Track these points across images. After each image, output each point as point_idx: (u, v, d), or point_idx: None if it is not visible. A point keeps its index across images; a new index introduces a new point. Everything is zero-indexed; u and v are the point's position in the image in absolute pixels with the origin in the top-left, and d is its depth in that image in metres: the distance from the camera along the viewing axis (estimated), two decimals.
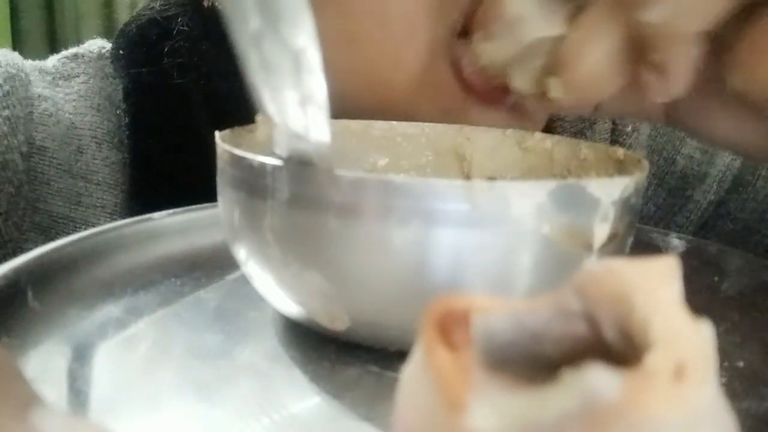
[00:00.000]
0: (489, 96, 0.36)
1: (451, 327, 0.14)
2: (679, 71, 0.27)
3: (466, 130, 0.35)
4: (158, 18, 0.46)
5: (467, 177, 0.35)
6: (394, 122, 0.35)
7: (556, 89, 0.28)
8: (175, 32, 0.45)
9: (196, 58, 0.45)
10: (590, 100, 0.30)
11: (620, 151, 0.30)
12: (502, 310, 0.14)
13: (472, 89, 0.36)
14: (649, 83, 0.27)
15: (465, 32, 0.35)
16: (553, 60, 0.29)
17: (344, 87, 0.34)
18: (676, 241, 0.35)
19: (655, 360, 0.11)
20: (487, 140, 0.34)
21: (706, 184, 0.51)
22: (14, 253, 0.40)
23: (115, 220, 0.44)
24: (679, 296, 0.13)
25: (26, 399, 0.13)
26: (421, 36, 0.35)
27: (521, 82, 0.32)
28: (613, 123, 0.52)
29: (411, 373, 0.14)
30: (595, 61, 0.27)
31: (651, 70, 0.27)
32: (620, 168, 0.29)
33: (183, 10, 0.46)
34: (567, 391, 0.11)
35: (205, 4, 0.44)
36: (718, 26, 0.25)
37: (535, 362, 0.14)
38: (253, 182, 0.23)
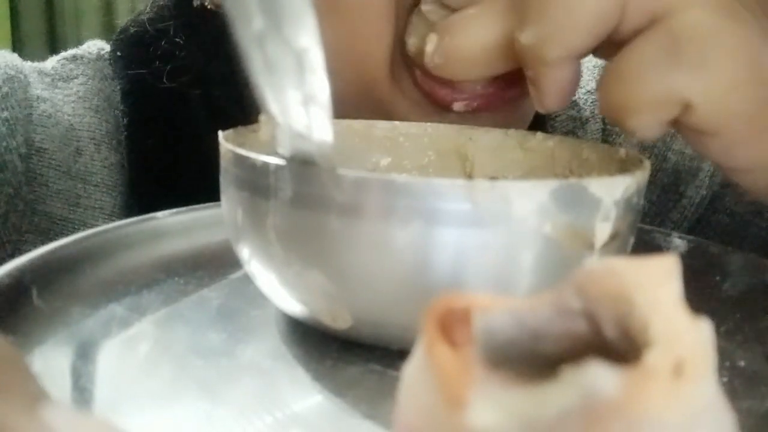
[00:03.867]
0: (440, 99, 0.36)
1: (452, 325, 0.14)
2: (548, 90, 0.29)
3: (468, 130, 0.35)
4: (154, 20, 0.46)
5: (469, 177, 0.35)
6: (396, 122, 0.35)
7: (430, 44, 0.30)
8: (169, 35, 0.45)
9: (191, 61, 0.45)
10: (455, 72, 0.31)
11: (622, 151, 0.30)
12: (503, 308, 0.14)
13: (428, 95, 0.36)
14: (531, 92, 0.30)
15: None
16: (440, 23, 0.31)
17: (329, 62, 0.35)
18: (678, 241, 0.35)
19: (655, 358, 0.11)
20: (489, 140, 0.35)
21: (698, 180, 0.51)
22: (13, 255, 0.40)
23: (114, 221, 0.44)
24: (678, 295, 0.13)
25: (36, 395, 0.14)
26: (387, 38, 0.36)
27: (412, 37, 0.34)
28: (604, 122, 0.52)
29: (412, 371, 0.14)
30: (469, 41, 0.29)
31: (530, 82, 0.29)
32: (622, 168, 0.29)
33: (178, 14, 0.46)
34: (567, 387, 0.11)
35: (195, 3, 0.44)
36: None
37: (536, 360, 0.14)
38: (256, 182, 0.23)
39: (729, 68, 0.26)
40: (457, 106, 0.36)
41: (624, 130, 0.28)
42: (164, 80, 0.44)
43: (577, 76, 0.29)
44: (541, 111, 0.31)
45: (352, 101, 0.37)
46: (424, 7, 0.33)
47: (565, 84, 0.29)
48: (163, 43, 0.45)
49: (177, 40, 0.45)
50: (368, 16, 0.36)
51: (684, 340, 0.12)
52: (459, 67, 0.31)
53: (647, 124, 0.27)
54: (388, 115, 0.37)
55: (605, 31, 0.27)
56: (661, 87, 0.26)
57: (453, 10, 0.31)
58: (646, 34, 0.26)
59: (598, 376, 0.11)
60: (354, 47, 0.36)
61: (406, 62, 0.36)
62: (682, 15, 0.25)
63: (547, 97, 0.29)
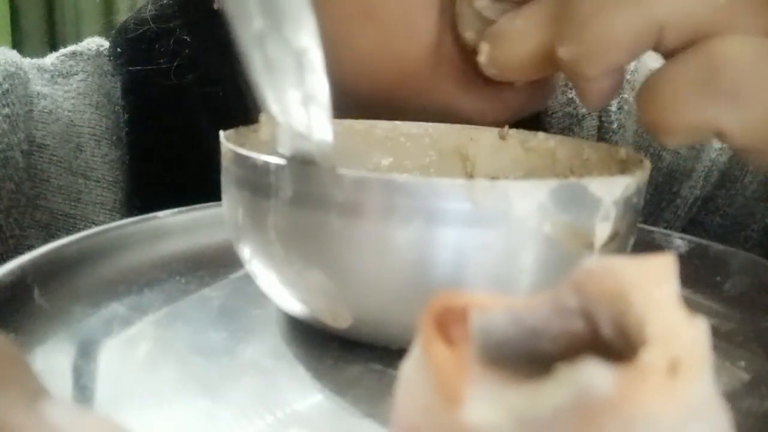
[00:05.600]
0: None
1: (449, 323, 0.14)
2: (589, 96, 0.29)
3: (469, 130, 0.35)
4: (157, 18, 0.47)
5: (470, 177, 0.35)
6: (397, 122, 0.35)
7: (483, 56, 0.31)
8: (170, 32, 0.46)
9: (192, 59, 0.45)
10: (510, 78, 0.32)
11: (622, 151, 0.30)
12: (501, 306, 0.14)
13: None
14: (576, 92, 0.30)
15: None
16: (490, 28, 0.32)
17: (361, 65, 0.36)
18: (678, 241, 0.35)
19: (650, 356, 0.11)
20: (491, 140, 0.35)
21: (692, 180, 0.51)
22: (16, 250, 0.40)
23: (115, 216, 0.44)
24: (675, 294, 0.13)
25: (36, 392, 0.14)
26: (434, 6, 0.36)
27: (468, 31, 0.35)
28: (600, 120, 0.52)
29: (410, 369, 0.14)
30: (518, 53, 0.30)
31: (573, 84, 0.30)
32: (622, 168, 0.29)
33: (178, 11, 0.46)
34: (561, 385, 0.11)
35: (215, 6, 0.44)
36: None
37: (533, 359, 0.14)
38: (257, 181, 0.24)
39: (764, 101, 0.25)
40: None
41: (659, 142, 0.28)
42: (166, 78, 0.45)
43: (620, 79, 0.29)
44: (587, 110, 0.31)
45: (386, 94, 0.37)
46: (478, 4, 0.34)
47: (607, 89, 0.29)
48: (166, 41, 0.46)
49: (177, 36, 0.46)
50: (404, 19, 0.36)
51: (680, 339, 0.12)
52: (512, 75, 0.32)
53: (681, 142, 0.27)
54: (429, 101, 0.37)
55: (642, 51, 0.26)
56: (694, 115, 0.25)
57: (510, 3, 0.32)
58: (683, 57, 0.25)
59: (593, 374, 0.11)
60: (390, 48, 0.37)
61: (457, 48, 0.36)
62: (721, 41, 0.25)
63: (590, 101, 0.29)
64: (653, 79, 0.26)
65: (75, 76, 0.47)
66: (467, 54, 0.36)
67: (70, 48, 0.49)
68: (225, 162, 0.26)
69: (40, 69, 0.47)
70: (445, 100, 0.37)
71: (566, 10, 0.27)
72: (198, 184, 0.33)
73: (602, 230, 0.23)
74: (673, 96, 0.26)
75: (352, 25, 0.36)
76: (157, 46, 0.46)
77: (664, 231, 0.36)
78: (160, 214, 0.34)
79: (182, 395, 0.23)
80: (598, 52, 0.26)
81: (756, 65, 0.25)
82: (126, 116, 0.45)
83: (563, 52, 0.27)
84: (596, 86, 0.28)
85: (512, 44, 0.30)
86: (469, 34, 0.35)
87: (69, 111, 0.45)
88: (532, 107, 0.40)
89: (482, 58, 0.31)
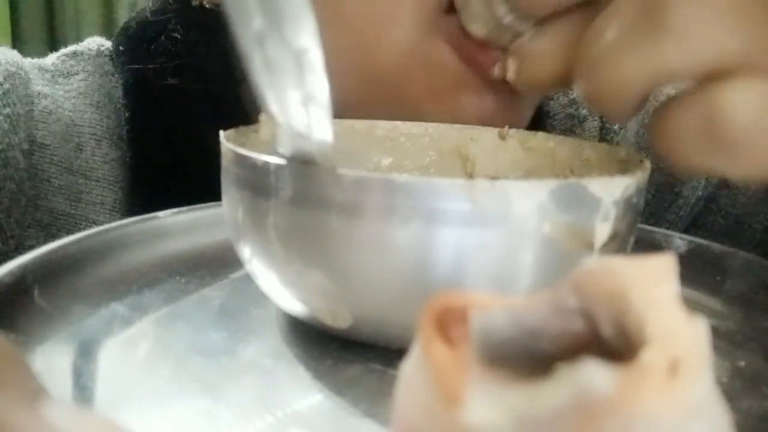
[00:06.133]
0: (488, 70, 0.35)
1: (449, 323, 0.14)
2: (612, 119, 0.28)
3: (469, 130, 0.35)
4: (156, 17, 0.47)
5: (470, 177, 0.35)
6: (398, 122, 0.35)
7: (511, 72, 0.32)
8: (171, 31, 0.46)
9: (193, 58, 0.45)
10: (541, 93, 0.33)
11: (622, 151, 0.30)
12: (501, 306, 0.14)
13: (472, 62, 0.36)
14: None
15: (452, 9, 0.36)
16: (516, 44, 0.32)
17: (332, 68, 0.35)
18: (678, 241, 0.35)
19: (650, 356, 0.11)
20: (491, 140, 0.35)
21: (694, 180, 0.51)
22: (17, 249, 0.40)
23: (115, 216, 0.44)
24: (675, 294, 0.13)
25: (36, 392, 0.14)
26: (406, 13, 0.36)
27: (475, 23, 0.35)
28: (602, 121, 0.52)
29: (410, 369, 0.14)
30: (548, 70, 0.30)
31: None
32: (622, 168, 0.29)
33: (179, 10, 0.47)
34: (561, 385, 0.11)
35: (194, 3, 0.44)
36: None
37: (534, 359, 0.14)
38: (257, 181, 0.24)
39: (765, 156, 0.23)
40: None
41: None
42: (167, 77, 0.45)
43: (644, 99, 0.27)
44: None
45: (356, 98, 0.37)
46: (498, 12, 0.33)
47: (629, 112, 0.27)
48: (163, 38, 0.46)
49: (178, 36, 0.46)
50: (371, 26, 0.36)
51: (680, 339, 0.12)
52: (542, 91, 0.32)
53: (696, 175, 0.27)
54: (400, 107, 0.37)
55: (653, 90, 0.25)
56: (695, 162, 0.24)
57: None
58: (686, 102, 0.24)
59: (593, 375, 0.11)
60: (358, 54, 0.37)
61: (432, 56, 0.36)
62: (724, 88, 0.23)
63: (613, 121, 0.29)
64: (658, 116, 0.25)
65: (76, 76, 0.47)
66: (445, 61, 0.36)
67: (71, 48, 0.49)
68: (225, 162, 0.26)
69: (41, 69, 0.47)
70: (416, 107, 0.37)
71: (579, 45, 0.26)
72: (199, 183, 0.33)
73: (602, 230, 0.23)
74: (675, 142, 0.24)
75: (322, 28, 0.35)
76: (154, 46, 0.46)
77: (665, 231, 0.36)
78: (160, 214, 0.34)
79: (182, 395, 0.23)
80: (609, 93, 0.26)
81: (759, 117, 0.23)
82: (126, 116, 0.45)
83: (577, 88, 0.27)
84: (617, 112, 0.27)
85: (540, 64, 0.30)
86: (476, 27, 0.35)
87: (70, 111, 0.45)
88: (510, 118, 0.39)
89: (510, 75, 0.32)
